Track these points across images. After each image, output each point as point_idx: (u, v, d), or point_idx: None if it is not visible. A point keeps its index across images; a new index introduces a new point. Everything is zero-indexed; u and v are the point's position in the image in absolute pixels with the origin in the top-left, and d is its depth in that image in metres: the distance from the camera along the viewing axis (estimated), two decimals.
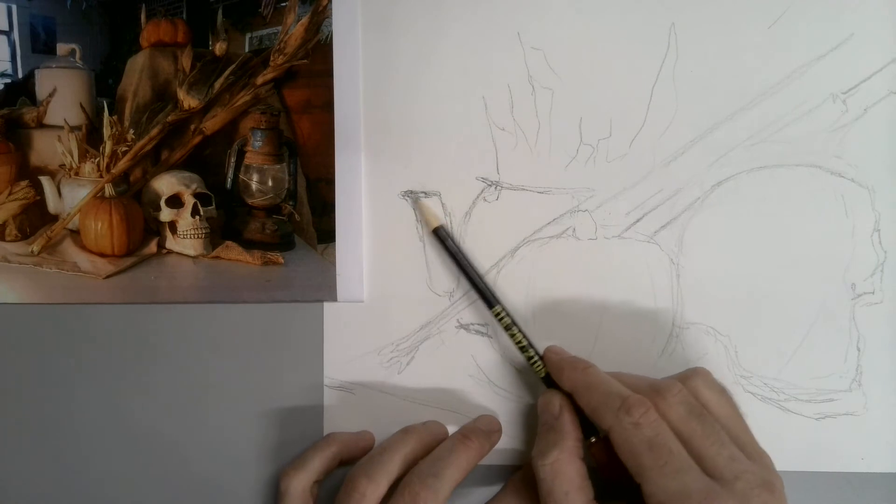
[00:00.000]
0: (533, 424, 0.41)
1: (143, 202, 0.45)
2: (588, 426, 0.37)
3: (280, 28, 0.43)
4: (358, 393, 0.42)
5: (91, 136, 0.44)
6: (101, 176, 0.44)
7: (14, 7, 0.44)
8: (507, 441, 0.41)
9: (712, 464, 0.32)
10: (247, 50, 0.44)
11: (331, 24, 0.42)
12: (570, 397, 0.37)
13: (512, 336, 0.40)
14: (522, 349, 0.40)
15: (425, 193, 0.42)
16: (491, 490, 0.40)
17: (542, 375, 0.39)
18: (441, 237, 0.41)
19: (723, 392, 0.36)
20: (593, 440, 0.37)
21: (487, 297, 0.40)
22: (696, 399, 0.35)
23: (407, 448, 0.38)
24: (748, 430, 0.35)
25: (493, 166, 0.42)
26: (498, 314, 0.40)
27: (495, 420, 0.41)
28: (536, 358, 0.39)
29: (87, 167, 0.44)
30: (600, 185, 0.41)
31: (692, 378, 0.36)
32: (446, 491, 0.36)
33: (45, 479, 0.43)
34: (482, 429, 0.39)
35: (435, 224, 0.41)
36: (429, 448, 0.39)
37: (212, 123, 0.44)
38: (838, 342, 0.41)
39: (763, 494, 0.31)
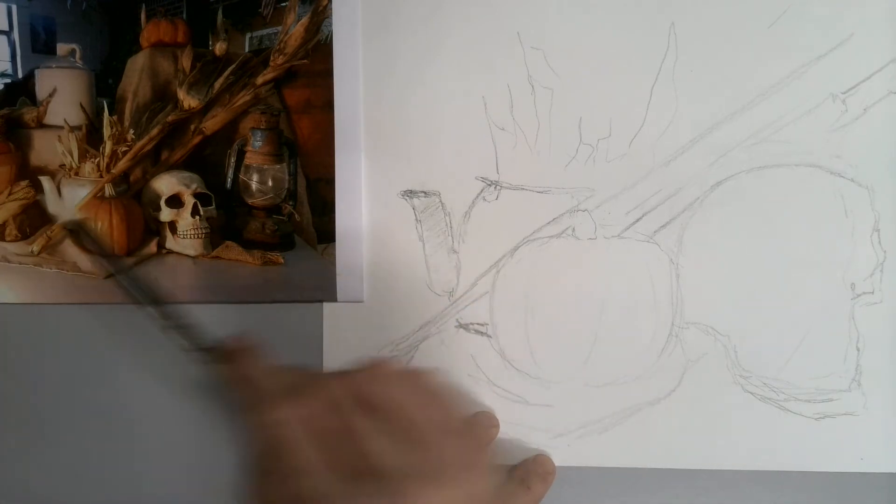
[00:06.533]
0: (532, 425, 0.42)
1: (143, 202, 0.45)
2: None
3: (280, 28, 0.43)
4: None
5: (91, 136, 0.44)
6: (101, 176, 0.44)
7: (14, 7, 0.44)
8: (506, 440, 0.41)
9: None
10: (247, 50, 0.44)
11: (331, 24, 0.42)
12: None
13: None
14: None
15: (425, 193, 0.42)
16: None
17: None
18: None
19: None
20: None
21: None
22: None
23: None
24: None
25: (493, 166, 0.42)
26: None
27: (549, 461, 0.41)
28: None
29: (87, 167, 0.44)
30: (600, 184, 0.41)
31: None
32: None
33: (43, 477, 0.43)
34: (538, 472, 0.40)
35: None
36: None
37: (212, 123, 0.44)
38: (838, 342, 0.41)
39: None
